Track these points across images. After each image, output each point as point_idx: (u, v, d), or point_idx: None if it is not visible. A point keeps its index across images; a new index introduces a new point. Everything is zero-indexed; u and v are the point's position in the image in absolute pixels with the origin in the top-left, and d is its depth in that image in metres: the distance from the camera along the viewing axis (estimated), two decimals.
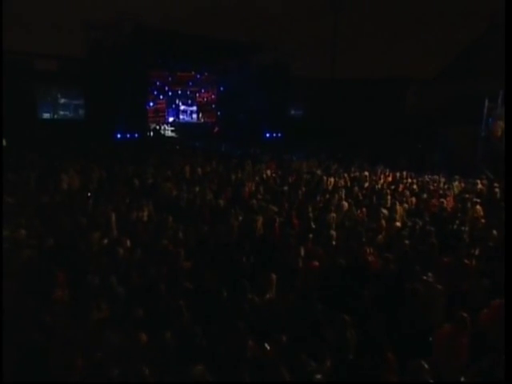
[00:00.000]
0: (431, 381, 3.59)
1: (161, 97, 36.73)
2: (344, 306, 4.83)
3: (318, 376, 3.68)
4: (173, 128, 37.43)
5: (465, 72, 32.25)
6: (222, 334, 4.13)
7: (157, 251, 6.73)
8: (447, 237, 7.75)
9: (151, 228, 8.21)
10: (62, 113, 32.43)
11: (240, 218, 8.88)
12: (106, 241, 7.29)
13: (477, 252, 6.82)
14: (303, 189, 12.29)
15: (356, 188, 12.59)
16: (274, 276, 5.44)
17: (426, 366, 3.61)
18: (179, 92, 37.70)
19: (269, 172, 15.43)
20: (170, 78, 36.31)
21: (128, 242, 7.01)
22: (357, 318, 4.55)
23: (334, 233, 7.51)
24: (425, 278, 5.34)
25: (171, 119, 37.45)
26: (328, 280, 5.82)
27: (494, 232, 8.13)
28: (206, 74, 37.57)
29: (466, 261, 6.24)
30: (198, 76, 37.47)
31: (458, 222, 8.94)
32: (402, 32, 46.71)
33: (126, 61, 29.18)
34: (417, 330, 4.51)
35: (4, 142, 26.65)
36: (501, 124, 15.47)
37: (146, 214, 9.22)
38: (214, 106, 39.35)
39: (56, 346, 3.74)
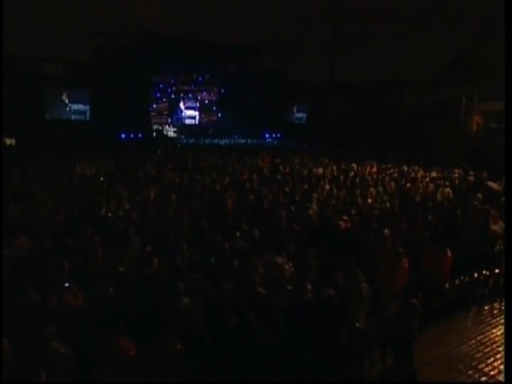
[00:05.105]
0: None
1: (163, 99, 38.07)
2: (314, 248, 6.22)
3: (289, 288, 5.07)
4: (175, 129, 38.84)
5: (458, 76, 33.46)
6: (216, 258, 5.58)
7: (163, 218, 8.14)
8: (412, 208, 9.17)
9: (157, 203, 9.61)
10: (68, 114, 33.64)
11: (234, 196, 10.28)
12: (120, 212, 8.70)
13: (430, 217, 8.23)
14: (294, 176, 13.65)
15: (342, 177, 13.93)
16: (256, 231, 6.88)
17: (361, 273, 5.01)
18: (181, 94, 38.95)
19: (263, 163, 16.78)
20: (172, 81, 37.58)
21: (138, 211, 8.49)
22: (321, 256, 5.96)
23: (313, 205, 8.90)
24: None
25: (175, 124, 38.81)
26: (305, 236, 7.25)
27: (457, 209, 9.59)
28: (207, 76, 38.78)
29: (419, 224, 7.65)
30: (200, 79, 38.68)
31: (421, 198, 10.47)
32: (400, 35, 48.08)
33: (131, 65, 30.60)
34: (365, 261, 5.88)
35: (13, 142, 28.12)
36: (476, 119, 16.84)
37: (152, 194, 10.64)
38: (214, 107, 40.59)
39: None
